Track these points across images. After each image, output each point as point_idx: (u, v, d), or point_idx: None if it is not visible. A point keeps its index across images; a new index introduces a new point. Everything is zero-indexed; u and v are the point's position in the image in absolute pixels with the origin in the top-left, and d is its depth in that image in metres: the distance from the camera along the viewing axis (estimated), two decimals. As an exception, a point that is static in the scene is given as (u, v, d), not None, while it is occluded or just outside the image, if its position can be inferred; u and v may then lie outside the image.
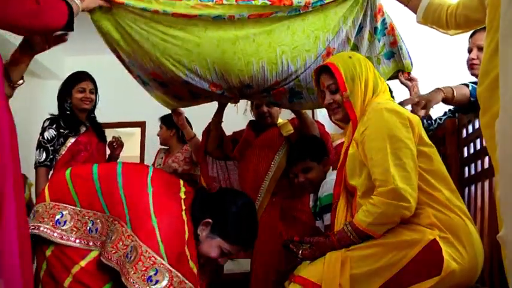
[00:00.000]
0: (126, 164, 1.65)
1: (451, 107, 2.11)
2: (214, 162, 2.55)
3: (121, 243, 1.41)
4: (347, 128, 1.58)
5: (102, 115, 2.70)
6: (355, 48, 1.91)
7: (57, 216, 1.49)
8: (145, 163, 4.38)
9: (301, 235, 1.50)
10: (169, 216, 1.46)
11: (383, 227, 1.30)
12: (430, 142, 1.40)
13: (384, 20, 1.90)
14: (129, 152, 4.08)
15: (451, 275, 1.21)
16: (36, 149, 2.42)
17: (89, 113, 2.57)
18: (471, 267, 1.25)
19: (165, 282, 1.33)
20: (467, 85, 1.86)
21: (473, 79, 1.95)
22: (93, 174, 1.56)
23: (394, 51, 1.94)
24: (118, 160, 2.66)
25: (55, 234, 1.47)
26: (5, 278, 1.10)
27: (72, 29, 1.48)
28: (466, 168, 1.81)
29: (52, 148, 2.39)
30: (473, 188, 1.71)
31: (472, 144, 1.75)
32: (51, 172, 2.40)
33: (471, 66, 2.01)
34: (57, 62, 4.86)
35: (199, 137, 2.56)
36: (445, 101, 1.82)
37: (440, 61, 2.96)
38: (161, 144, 3.29)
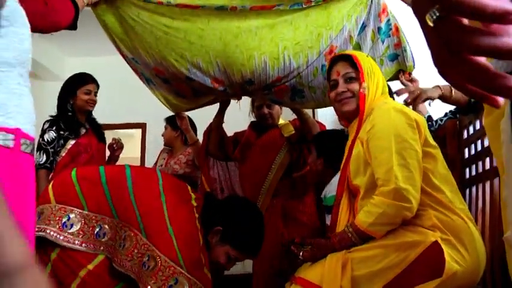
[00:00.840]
0: (134, 168, 1.65)
1: (452, 108, 2.10)
2: (215, 163, 2.55)
3: (136, 251, 1.41)
4: (350, 126, 1.57)
5: (102, 116, 2.70)
6: (358, 47, 1.90)
7: (64, 219, 1.47)
8: (145, 165, 4.39)
9: (302, 236, 1.51)
10: (185, 225, 1.48)
11: (384, 228, 1.29)
12: (434, 143, 1.40)
13: (388, 20, 1.89)
14: (130, 154, 4.08)
15: (452, 277, 1.21)
16: (36, 151, 2.40)
17: (88, 114, 2.57)
18: (473, 269, 1.25)
19: None
20: None
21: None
22: (101, 178, 1.54)
23: (397, 53, 1.94)
24: (117, 162, 2.66)
25: (61, 238, 1.44)
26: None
27: (75, 28, 1.48)
28: (467, 170, 1.80)
29: (52, 150, 2.38)
30: (474, 189, 1.71)
31: (473, 146, 1.75)
32: (51, 174, 2.40)
33: None
34: (58, 63, 4.85)
35: (201, 137, 2.56)
36: (443, 99, 1.82)
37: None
38: (165, 145, 3.27)
